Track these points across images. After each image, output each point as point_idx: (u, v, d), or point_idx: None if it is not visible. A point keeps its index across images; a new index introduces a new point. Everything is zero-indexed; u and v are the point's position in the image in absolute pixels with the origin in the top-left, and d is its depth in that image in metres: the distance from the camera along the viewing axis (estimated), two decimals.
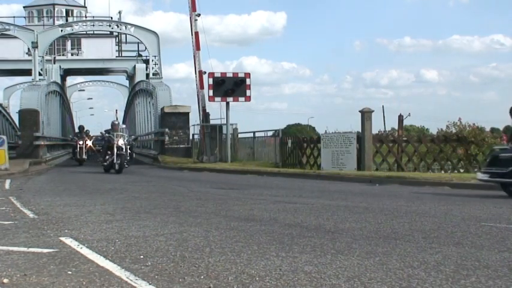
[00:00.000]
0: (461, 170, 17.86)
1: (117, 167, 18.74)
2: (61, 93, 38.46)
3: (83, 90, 65.26)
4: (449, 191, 11.14)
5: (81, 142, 25.98)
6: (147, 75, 39.29)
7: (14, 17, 51.73)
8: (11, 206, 8.51)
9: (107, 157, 19.40)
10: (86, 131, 28.01)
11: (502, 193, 10.21)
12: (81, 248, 4.95)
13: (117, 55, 47.61)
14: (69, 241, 5.28)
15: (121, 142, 18.92)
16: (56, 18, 48.75)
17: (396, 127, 23.99)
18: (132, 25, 37.80)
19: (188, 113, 30.88)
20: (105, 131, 20.24)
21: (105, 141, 19.68)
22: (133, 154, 22.80)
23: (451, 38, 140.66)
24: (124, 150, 19.04)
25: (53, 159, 30.41)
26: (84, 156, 26.25)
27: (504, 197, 9.92)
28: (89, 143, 28.64)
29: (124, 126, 21.48)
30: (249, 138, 25.98)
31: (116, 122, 20.60)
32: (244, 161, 24.05)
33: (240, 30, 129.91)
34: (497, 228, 6.09)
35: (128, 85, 51.88)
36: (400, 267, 4.12)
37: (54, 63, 41.94)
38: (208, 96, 24.16)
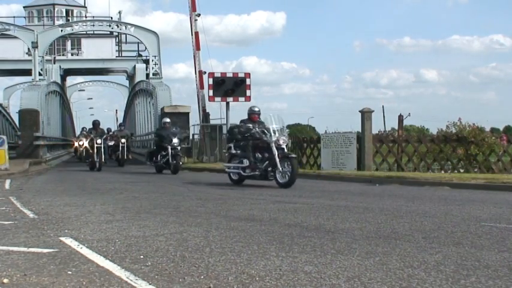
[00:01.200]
0: (461, 170, 17.86)
1: (284, 177, 11.89)
2: (61, 93, 38.44)
3: (83, 90, 65.28)
4: (449, 191, 11.14)
5: (99, 141, 21.07)
6: (147, 75, 39.29)
7: (14, 17, 51.90)
8: (11, 206, 8.51)
9: (249, 159, 12.51)
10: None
11: (502, 193, 10.20)
12: (81, 248, 4.94)
13: (117, 55, 47.60)
14: (69, 241, 5.28)
15: (283, 140, 12.21)
16: (56, 18, 48.74)
17: (396, 127, 23.96)
18: (132, 25, 37.78)
19: (188, 113, 30.87)
20: (242, 121, 13.42)
21: (252, 137, 12.70)
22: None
23: (451, 38, 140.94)
24: (287, 149, 12.59)
25: (53, 159, 30.39)
26: (103, 160, 21.40)
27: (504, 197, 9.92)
28: (85, 143, 27.58)
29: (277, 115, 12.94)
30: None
31: (257, 109, 13.49)
32: None
33: (239, 30, 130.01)
34: (497, 228, 6.09)
35: (128, 85, 51.86)
36: (400, 267, 4.12)
37: (54, 63, 41.92)
38: (208, 96, 24.15)
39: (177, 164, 18.52)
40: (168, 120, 20.27)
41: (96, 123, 22.81)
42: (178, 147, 18.79)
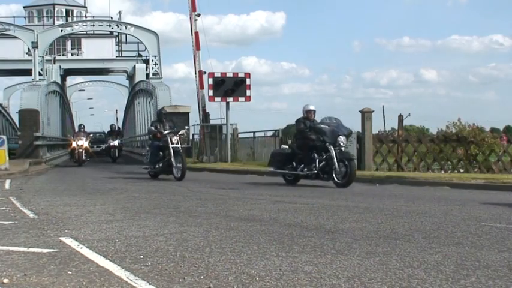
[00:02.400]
0: (461, 170, 17.87)
1: None
2: (61, 93, 38.46)
3: (83, 90, 65.32)
4: (449, 191, 11.15)
5: (175, 139, 14.99)
6: (147, 75, 39.33)
7: (14, 17, 51.95)
8: (11, 206, 8.51)
9: None
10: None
11: (502, 193, 10.18)
12: (81, 248, 4.94)
13: (117, 55, 47.62)
14: (69, 241, 5.28)
15: None
16: (56, 18, 48.78)
17: (396, 127, 23.96)
18: (132, 25, 37.84)
19: (188, 113, 30.88)
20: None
21: None
22: None
23: (450, 38, 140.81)
24: None
25: (53, 159, 30.40)
26: (179, 164, 14.69)
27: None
28: (85, 143, 24.90)
29: None
30: (249, 138, 26.01)
31: None
32: (244, 161, 24.05)
33: (239, 30, 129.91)
34: (497, 228, 6.09)
35: (128, 85, 51.89)
36: (400, 267, 4.12)
37: (54, 63, 41.96)
38: (208, 96, 24.18)
39: (352, 172, 12.23)
40: (313, 107, 13.70)
41: (162, 114, 16.54)
42: (343, 148, 12.74)
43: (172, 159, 14.66)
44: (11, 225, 6.45)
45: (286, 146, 14.29)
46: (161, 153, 15.23)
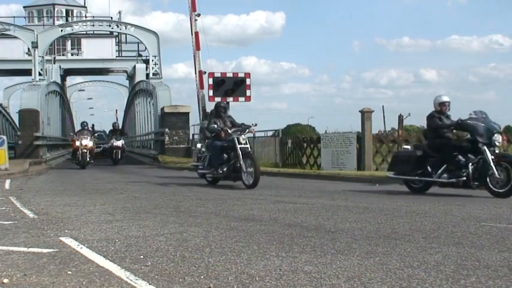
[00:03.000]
0: None
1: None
2: (61, 93, 38.46)
3: (83, 90, 65.32)
4: (449, 191, 11.13)
5: (243, 139, 12.70)
6: (147, 75, 39.34)
7: (14, 17, 52.02)
8: (11, 206, 8.51)
9: None
10: None
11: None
12: (81, 248, 4.95)
13: (117, 55, 47.61)
14: (69, 241, 5.28)
15: None
16: (56, 18, 48.79)
17: (396, 127, 23.95)
18: (132, 25, 37.87)
19: (188, 113, 30.89)
20: None
21: None
22: None
23: (450, 38, 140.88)
24: None
25: (53, 159, 30.40)
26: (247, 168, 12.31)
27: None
28: (90, 142, 22.93)
29: None
30: (249, 138, 25.95)
31: None
32: None
33: (239, 30, 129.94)
34: (497, 228, 6.09)
35: (128, 85, 51.90)
36: (400, 267, 4.12)
37: (54, 63, 41.95)
38: (208, 96, 24.17)
39: None
40: (447, 99, 11.02)
41: (221, 107, 14.05)
42: (497, 149, 10.30)
43: (241, 162, 12.22)
44: (11, 225, 6.46)
45: (408, 147, 11.93)
46: (225, 155, 12.80)
